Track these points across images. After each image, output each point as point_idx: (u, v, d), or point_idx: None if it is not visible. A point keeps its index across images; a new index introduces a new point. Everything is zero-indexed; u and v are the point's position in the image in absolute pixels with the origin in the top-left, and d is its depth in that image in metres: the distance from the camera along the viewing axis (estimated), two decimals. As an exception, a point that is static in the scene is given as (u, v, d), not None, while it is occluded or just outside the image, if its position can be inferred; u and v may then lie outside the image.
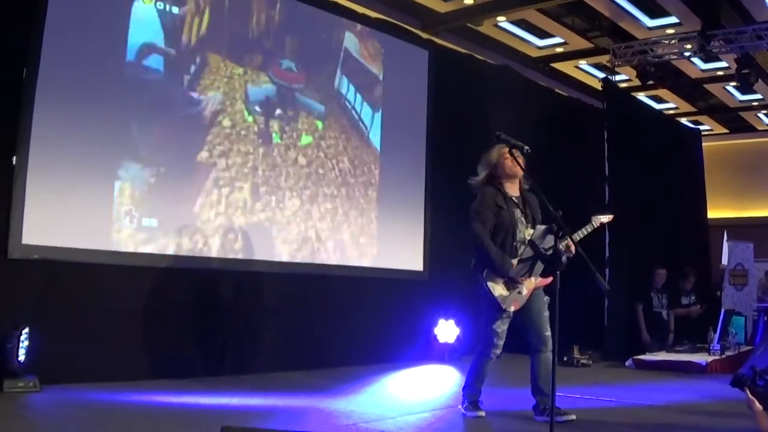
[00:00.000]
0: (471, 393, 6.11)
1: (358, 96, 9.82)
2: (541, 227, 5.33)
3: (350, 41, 9.79)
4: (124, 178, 7.37)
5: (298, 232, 8.93)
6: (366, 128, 9.92)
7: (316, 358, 8.82)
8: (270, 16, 8.84)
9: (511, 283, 5.72)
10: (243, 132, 8.44)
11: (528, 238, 5.77)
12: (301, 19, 9.19)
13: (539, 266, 5.48)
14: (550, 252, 5.35)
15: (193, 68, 8.03)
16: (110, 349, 7.04)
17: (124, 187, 7.38)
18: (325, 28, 9.50)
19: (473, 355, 6.10)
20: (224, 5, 8.37)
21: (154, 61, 7.73)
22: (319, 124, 9.28)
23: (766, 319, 11.69)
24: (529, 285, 5.80)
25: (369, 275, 9.73)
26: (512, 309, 5.76)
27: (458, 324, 10.13)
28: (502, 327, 5.84)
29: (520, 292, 5.76)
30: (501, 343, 5.88)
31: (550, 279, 5.77)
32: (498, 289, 5.70)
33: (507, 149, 5.63)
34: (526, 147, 5.46)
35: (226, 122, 8.27)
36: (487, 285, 5.65)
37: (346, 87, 9.68)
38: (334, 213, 9.36)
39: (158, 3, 7.74)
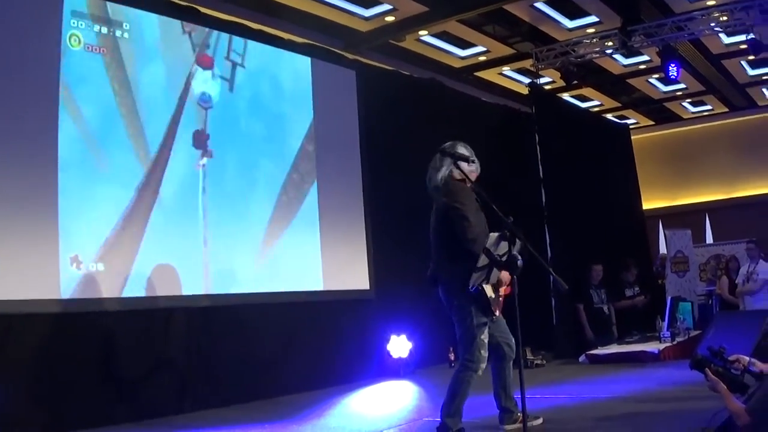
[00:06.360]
0: (452, 417, 5.44)
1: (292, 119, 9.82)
2: (494, 234, 5.27)
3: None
4: (66, 225, 7.23)
5: (242, 262, 8.87)
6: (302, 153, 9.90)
7: (273, 387, 8.70)
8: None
9: (495, 286, 5.45)
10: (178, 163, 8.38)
11: None
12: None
13: (495, 273, 5.41)
14: (504, 258, 5.30)
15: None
16: (70, 397, 6.91)
17: (68, 233, 7.24)
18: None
19: (453, 373, 5.55)
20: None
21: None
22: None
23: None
24: (502, 290, 5.53)
25: (316, 299, 9.63)
26: (497, 313, 5.54)
27: (410, 338, 10.13)
28: (486, 338, 5.49)
29: (499, 296, 5.53)
30: (487, 355, 5.49)
31: (509, 290, 5.47)
32: (489, 291, 5.36)
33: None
34: (471, 159, 5.55)
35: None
36: (482, 287, 5.31)
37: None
38: (274, 239, 9.30)
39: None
